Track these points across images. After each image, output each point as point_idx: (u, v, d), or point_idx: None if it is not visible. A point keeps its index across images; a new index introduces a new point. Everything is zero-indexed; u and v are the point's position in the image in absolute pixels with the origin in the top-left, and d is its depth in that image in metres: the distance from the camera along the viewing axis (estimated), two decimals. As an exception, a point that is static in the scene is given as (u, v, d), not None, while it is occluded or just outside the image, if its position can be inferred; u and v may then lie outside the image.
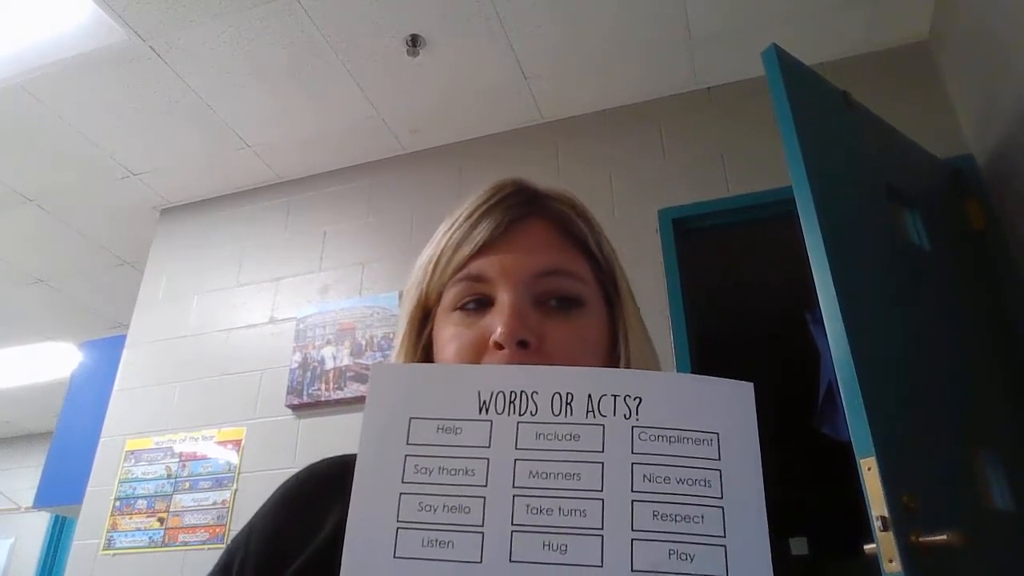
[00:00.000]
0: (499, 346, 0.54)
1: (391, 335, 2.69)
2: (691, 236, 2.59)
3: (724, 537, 0.39)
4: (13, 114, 2.84)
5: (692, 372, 2.21)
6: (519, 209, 0.62)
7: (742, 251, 3.45)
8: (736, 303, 3.84)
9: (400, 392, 0.43)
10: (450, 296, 0.60)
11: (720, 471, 0.40)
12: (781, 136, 1.68)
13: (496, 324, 0.55)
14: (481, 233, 0.59)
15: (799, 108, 1.69)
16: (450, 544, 0.39)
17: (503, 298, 0.57)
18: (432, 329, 0.62)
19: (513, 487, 0.40)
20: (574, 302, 0.59)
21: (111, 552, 2.69)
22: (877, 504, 1.32)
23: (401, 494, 0.40)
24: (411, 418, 0.42)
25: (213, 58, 2.61)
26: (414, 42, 2.55)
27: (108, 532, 2.73)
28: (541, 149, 2.90)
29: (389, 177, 3.13)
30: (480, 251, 0.59)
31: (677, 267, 2.44)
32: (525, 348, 0.54)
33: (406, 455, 0.41)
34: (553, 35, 2.56)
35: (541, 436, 0.41)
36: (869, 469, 1.34)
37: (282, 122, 2.97)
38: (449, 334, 0.58)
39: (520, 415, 0.42)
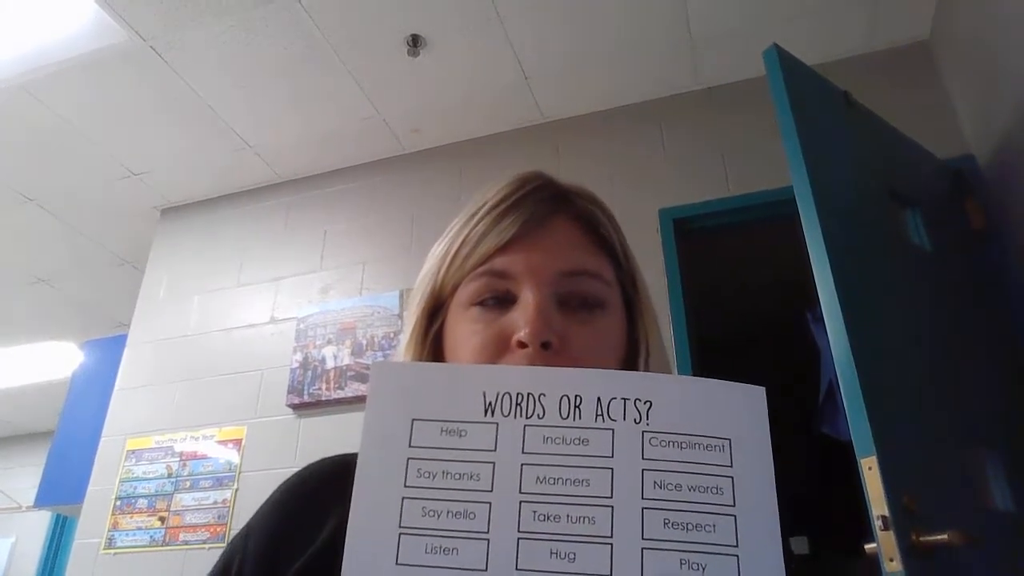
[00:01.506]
0: (522, 345, 0.53)
1: (392, 334, 2.69)
2: (691, 236, 2.59)
3: (736, 546, 0.38)
4: (13, 114, 2.84)
5: (693, 373, 2.21)
6: (546, 205, 0.60)
7: (742, 251, 3.44)
8: (736, 303, 3.83)
9: (402, 392, 0.42)
10: (469, 290, 0.58)
11: (732, 478, 0.39)
12: (781, 136, 1.68)
13: (519, 323, 0.54)
14: (508, 228, 0.58)
15: (800, 108, 1.69)
16: (454, 551, 0.38)
17: (527, 297, 0.55)
18: (443, 322, 0.60)
19: (520, 493, 0.39)
20: (597, 304, 0.57)
21: (112, 551, 2.69)
22: (878, 503, 1.32)
23: (403, 498, 0.39)
24: (414, 419, 0.41)
25: (213, 58, 2.60)
26: (414, 42, 2.54)
27: (109, 531, 2.73)
28: (541, 149, 2.90)
29: (389, 177, 3.13)
30: (505, 246, 0.57)
31: (677, 267, 2.44)
32: (547, 349, 0.53)
33: (408, 458, 0.40)
34: (553, 35, 2.56)
35: (549, 440, 0.40)
36: (870, 468, 1.34)
37: (282, 122, 2.96)
38: (467, 331, 0.57)
39: (527, 418, 0.41)
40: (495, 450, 0.40)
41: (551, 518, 0.39)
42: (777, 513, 0.39)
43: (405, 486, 0.40)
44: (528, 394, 0.41)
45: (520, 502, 0.39)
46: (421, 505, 0.39)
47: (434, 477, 0.40)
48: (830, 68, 2.43)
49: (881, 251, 1.77)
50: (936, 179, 2.19)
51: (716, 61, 2.68)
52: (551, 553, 0.38)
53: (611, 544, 0.38)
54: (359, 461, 0.41)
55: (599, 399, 0.41)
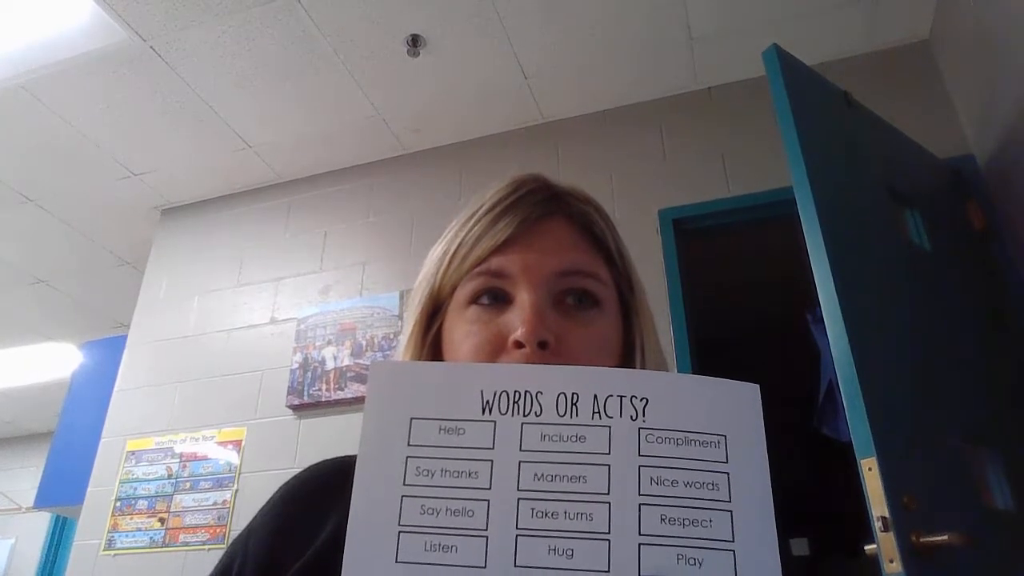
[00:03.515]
0: (519, 345, 0.53)
1: (392, 335, 2.69)
2: (691, 236, 2.59)
3: (733, 541, 0.38)
4: (13, 114, 2.84)
5: (692, 372, 2.21)
6: (542, 207, 0.61)
7: (742, 251, 3.44)
8: (736, 303, 3.83)
9: (401, 391, 0.42)
10: (466, 290, 0.59)
11: (728, 474, 0.39)
12: (781, 136, 1.68)
13: (516, 323, 0.55)
14: (503, 229, 0.59)
15: (799, 108, 1.69)
16: (453, 548, 0.38)
17: (524, 297, 0.56)
18: (442, 324, 0.61)
19: (518, 490, 0.39)
20: (592, 302, 0.58)
21: (112, 552, 2.69)
22: (877, 504, 1.32)
23: (403, 497, 0.39)
24: (412, 418, 0.41)
25: (213, 58, 2.60)
26: (414, 42, 2.54)
27: (109, 532, 2.73)
28: (541, 149, 2.90)
29: (389, 177, 3.13)
30: (501, 247, 0.58)
31: (677, 267, 2.44)
32: (544, 349, 0.53)
33: (407, 456, 0.40)
34: (553, 35, 2.56)
35: (546, 438, 0.41)
36: (870, 469, 1.34)
37: (282, 122, 2.96)
38: (464, 331, 0.57)
39: (524, 416, 0.41)
40: (493, 448, 0.40)
41: (549, 515, 0.39)
42: (772, 509, 0.39)
43: (404, 484, 0.40)
44: (525, 392, 0.42)
45: (518, 499, 0.39)
46: (420, 503, 0.39)
47: (433, 475, 0.40)
48: (830, 68, 2.43)
49: (881, 251, 1.77)
50: (936, 179, 2.19)
51: (716, 61, 2.68)
52: (549, 549, 0.38)
53: (608, 540, 0.38)
54: (358, 460, 0.41)
55: (596, 396, 0.41)
